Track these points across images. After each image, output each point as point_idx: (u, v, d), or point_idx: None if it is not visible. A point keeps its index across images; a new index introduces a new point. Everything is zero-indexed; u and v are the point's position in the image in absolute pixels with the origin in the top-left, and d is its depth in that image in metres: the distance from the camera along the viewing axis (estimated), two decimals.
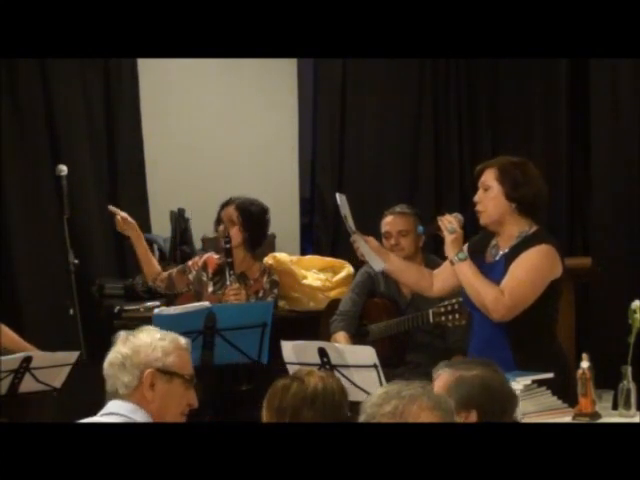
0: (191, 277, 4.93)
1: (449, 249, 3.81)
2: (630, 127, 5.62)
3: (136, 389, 2.71)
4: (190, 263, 4.97)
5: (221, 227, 4.86)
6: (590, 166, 5.79)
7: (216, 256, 4.99)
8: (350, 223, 4.02)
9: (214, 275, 4.92)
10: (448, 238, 3.81)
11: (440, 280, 4.06)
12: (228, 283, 4.70)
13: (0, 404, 4.28)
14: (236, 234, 4.82)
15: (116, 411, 2.69)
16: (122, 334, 2.83)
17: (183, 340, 2.83)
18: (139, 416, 2.68)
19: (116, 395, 2.74)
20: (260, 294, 4.88)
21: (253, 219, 4.87)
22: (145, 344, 2.77)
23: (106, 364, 2.78)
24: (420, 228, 4.17)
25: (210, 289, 4.88)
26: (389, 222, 4.76)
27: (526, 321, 3.70)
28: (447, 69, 6.19)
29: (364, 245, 4.02)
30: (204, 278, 4.92)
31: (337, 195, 4.07)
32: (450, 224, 3.81)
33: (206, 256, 5.01)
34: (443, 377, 2.64)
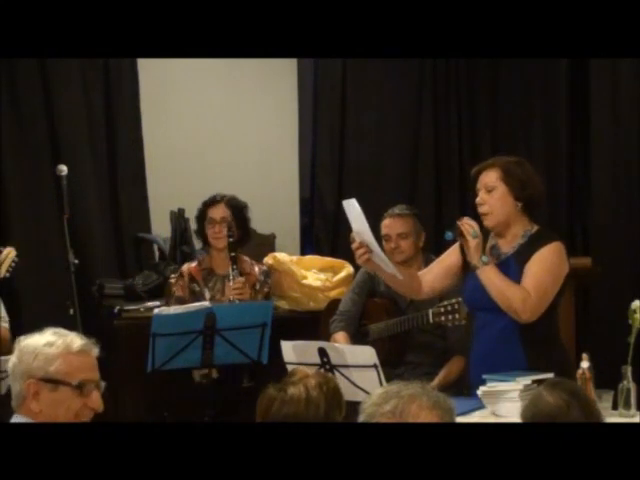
0: (186, 295, 4.91)
1: (473, 254, 3.75)
2: (630, 127, 5.62)
3: (24, 400, 2.61)
4: (180, 292, 4.92)
5: (216, 227, 4.87)
6: (590, 166, 5.79)
7: (193, 264, 4.98)
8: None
9: (205, 281, 4.92)
10: (472, 243, 3.74)
11: (429, 282, 4.03)
12: (231, 278, 4.71)
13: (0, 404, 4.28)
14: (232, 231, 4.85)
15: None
16: (21, 339, 2.68)
17: (77, 343, 2.65)
18: None
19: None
20: (257, 287, 4.91)
21: (243, 215, 4.92)
22: (28, 352, 2.62)
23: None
24: (449, 234, 3.86)
25: (207, 296, 4.87)
26: (388, 225, 4.74)
27: (538, 318, 3.71)
28: (447, 69, 6.19)
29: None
30: (197, 288, 4.92)
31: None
32: (472, 228, 3.75)
33: (185, 268, 4.98)
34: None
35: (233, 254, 4.73)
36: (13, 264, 4.74)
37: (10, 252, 4.73)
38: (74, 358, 2.63)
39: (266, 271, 5.00)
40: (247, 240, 4.99)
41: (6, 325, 4.82)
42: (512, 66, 5.99)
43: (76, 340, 2.66)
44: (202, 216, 4.94)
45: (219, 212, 4.89)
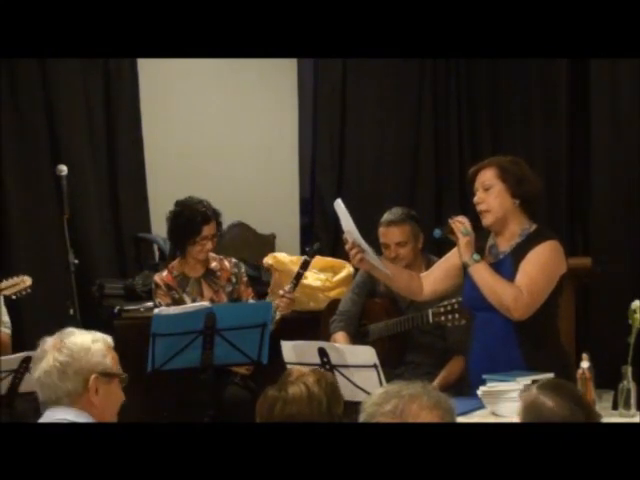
0: (170, 300, 4.89)
1: (464, 252, 3.75)
2: (630, 127, 5.62)
3: (81, 396, 2.68)
4: (167, 300, 4.87)
5: (208, 244, 4.82)
6: (590, 166, 5.79)
7: (164, 273, 4.94)
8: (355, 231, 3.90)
9: (181, 287, 4.90)
10: (462, 240, 3.75)
11: (430, 283, 4.02)
12: (289, 288, 4.70)
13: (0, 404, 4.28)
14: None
15: (62, 418, 2.63)
16: (50, 340, 2.74)
17: (109, 338, 2.81)
18: (84, 420, 2.65)
19: (58, 403, 2.68)
20: (233, 280, 4.91)
21: (220, 222, 4.95)
22: (82, 349, 2.71)
23: (40, 373, 2.69)
24: (437, 232, 3.88)
25: (188, 301, 4.85)
26: (385, 234, 4.69)
27: (536, 318, 3.71)
28: (447, 69, 6.20)
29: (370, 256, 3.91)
30: (177, 296, 4.89)
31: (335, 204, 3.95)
32: (463, 226, 3.75)
33: (158, 279, 4.92)
34: (524, 398, 2.52)
35: (302, 271, 4.75)
36: (24, 292, 4.78)
37: (27, 281, 4.79)
38: (113, 352, 2.78)
39: (237, 263, 4.99)
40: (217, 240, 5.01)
41: (8, 331, 4.83)
42: (512, 66, 6.00)
43: (105, 335, 2.81)
44: (197, 232, 4.84)
45: (211, 230, 4.85)
